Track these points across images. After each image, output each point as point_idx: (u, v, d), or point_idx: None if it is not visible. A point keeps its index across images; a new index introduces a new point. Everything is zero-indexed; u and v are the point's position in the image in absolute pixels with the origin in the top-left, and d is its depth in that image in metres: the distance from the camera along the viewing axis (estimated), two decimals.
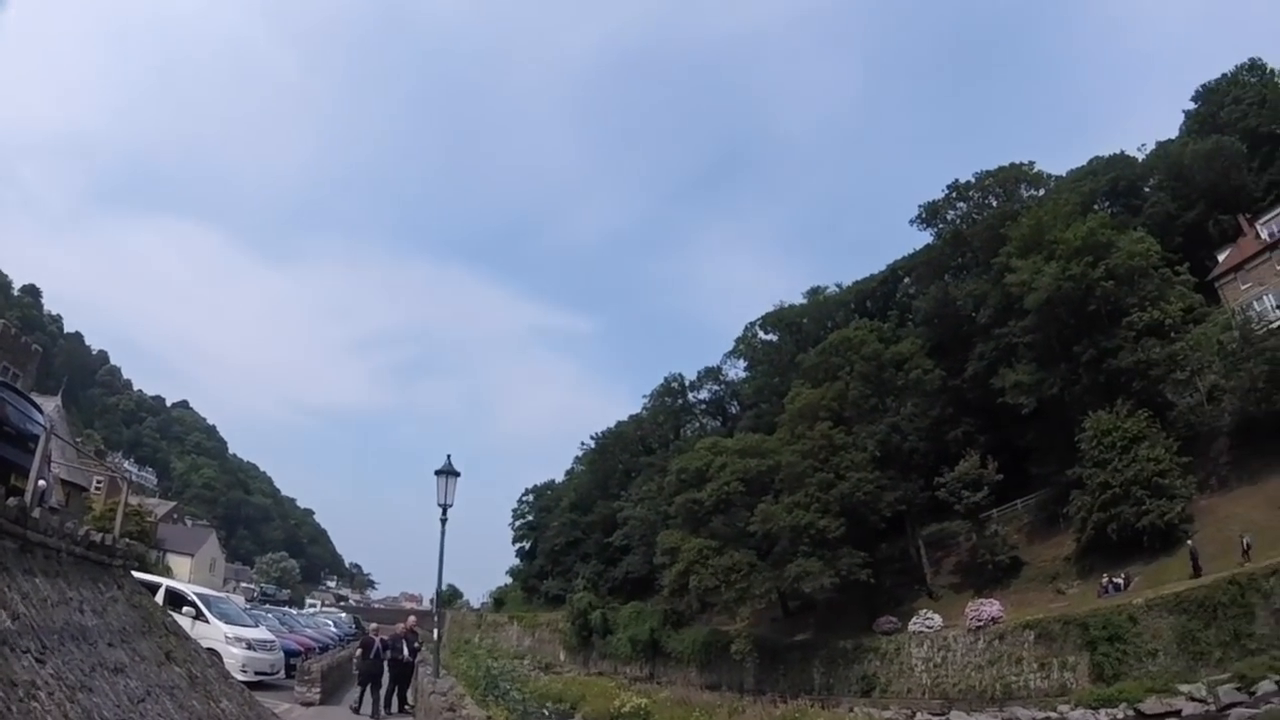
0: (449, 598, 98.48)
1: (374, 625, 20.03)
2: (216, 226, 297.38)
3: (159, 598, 14.51)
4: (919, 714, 29.90)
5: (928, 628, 33.79)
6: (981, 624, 31.16)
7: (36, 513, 6.97)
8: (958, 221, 48.95)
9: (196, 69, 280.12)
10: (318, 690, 15.35)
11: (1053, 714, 25.82)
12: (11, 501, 6.47)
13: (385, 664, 15.99)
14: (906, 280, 57.22)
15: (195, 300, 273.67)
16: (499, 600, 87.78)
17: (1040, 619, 29.60)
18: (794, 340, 58.53)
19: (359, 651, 16.49)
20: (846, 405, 41.69)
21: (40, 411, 8.31)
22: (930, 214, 50.37)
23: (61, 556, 7.20)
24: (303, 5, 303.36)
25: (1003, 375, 37.93)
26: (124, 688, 6.40)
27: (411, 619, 18.14)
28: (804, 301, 62.26)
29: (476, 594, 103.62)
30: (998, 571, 36.00)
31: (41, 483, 7.96)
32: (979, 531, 38.05)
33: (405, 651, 15.27)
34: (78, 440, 35.08)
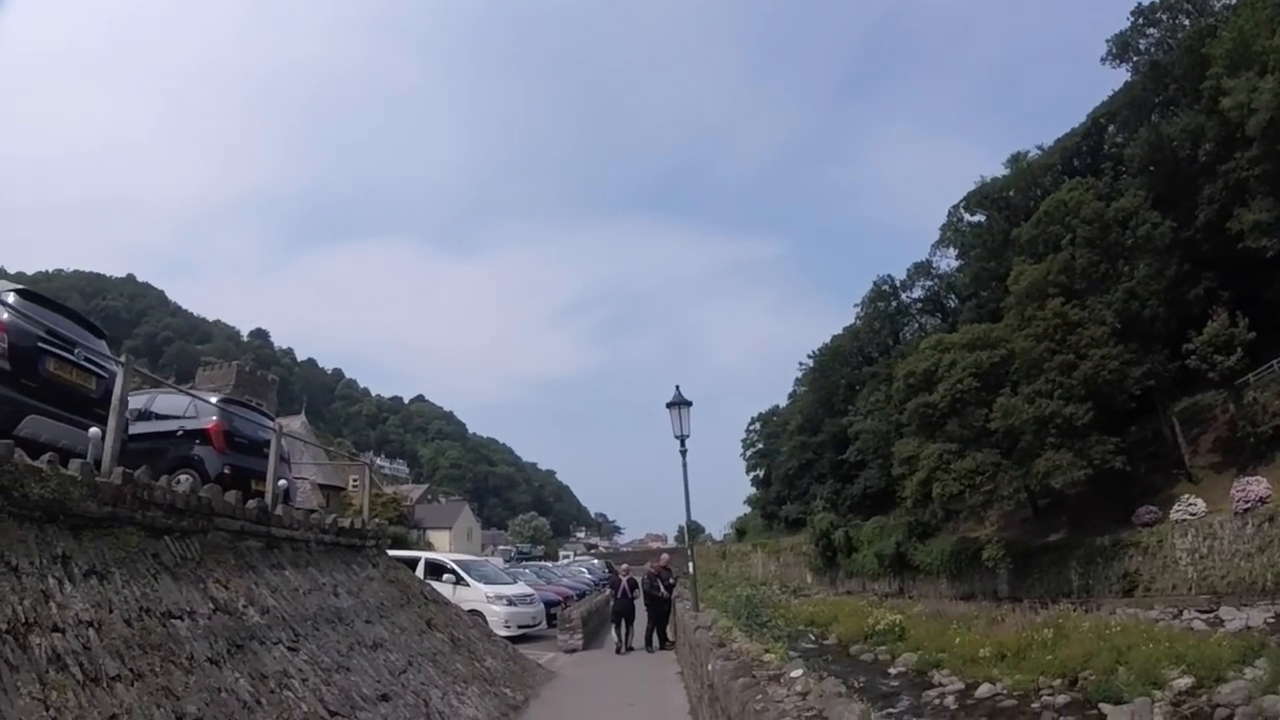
0: (691, 533, 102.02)
1: (624, 566, 20.46)
2: (403, 238, 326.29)
3: (419, 570, 15.76)
4: (1186, 611, 26.13)
5: (1191, 515, 29.52)
6: (1249, 505, 26.84)
7: (279, 510, 7.36)
8: (1152, 50, 42.12)
9: (339, 104, 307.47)
10: (579, 636, 15.83)
11: None
12: (251, 504, 6.81)
13: (636, 602, 16.26)
14: (1111, 128, 49.33)
15: (406, 306, 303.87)
16: (740, 530, 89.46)
17: None
18: (1004, 217, 52.51)
19: (609, 592, 16.84)
20: (1075, 277, 36.79)
21: (270, 419, 8.83)
22: (1120, 47, 43.28)
23: (311, 547, 7.59)
24: (409, 16, 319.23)
25: (1238, 217, 31.99)
26: (384, 661, 6.59)
27: (664, 556, 18.20)
28: (1006, 173, 55.34)
29: (717, 527, 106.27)
30: (1261, 445, 30.56)
31: (282, 483, 8.46)
32: (1237, 401, 32.18)
33: (661, 588, 15.24)
34: (329, 449, 39.79)
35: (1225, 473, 31.63)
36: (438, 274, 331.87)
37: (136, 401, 9.33)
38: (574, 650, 15.04)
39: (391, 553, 15.65)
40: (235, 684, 4.49)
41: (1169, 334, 34.83)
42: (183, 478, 7.16)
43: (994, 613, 31.59)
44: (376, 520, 10.51)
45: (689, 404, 12.45)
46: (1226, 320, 31.19)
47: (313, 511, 9.87)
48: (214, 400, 9.00)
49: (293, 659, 5.32)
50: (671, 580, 16.18)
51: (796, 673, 4.37)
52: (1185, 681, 16.13)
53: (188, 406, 8.93)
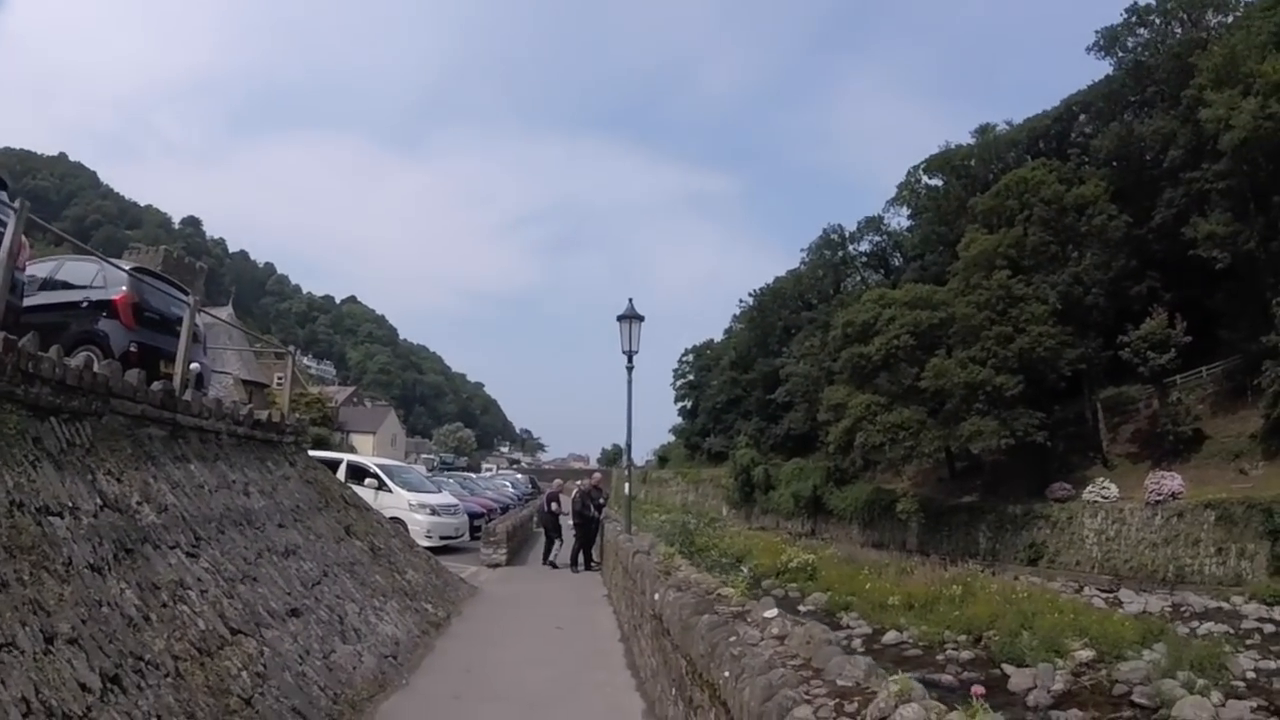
0: (613, 456, 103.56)
1: (557, 481, 20.21)
2: (352, 132, 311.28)
3: (340, 473, 15.09)
4: (1087, 588, 27.79)
5: (1103, 498, 31.07)
6: (1161, 498, 28.34)
7: (189, 395, 6.59)
8: (1139, 50, 42.32)
9: None
10: (504, 551, 15.53)
11: (1225, 604, 23.46)
12: (156, 386, 6.03)
13: (564, 521, 16.10)
14: (1083, 118, 50.01)
15: (346, 204, 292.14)
16: (662, 458, 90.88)
17: (1223, 499, 26.57)
18: (962, 185, 52.92)
19: (544, 504, 16.63)
20: (1025, 253, 37.40)
21: (186, 292, 7.90)
22: (1109, 41, 43.33)
23: (222, 439, 6.87)
24: None
25: (1194, 225, 32.84)
26: (296, 571, 6.05)
27: (596, 475, 17.99)
28: (971, 142, 55.64)
29: (640, 453, 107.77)
30: (1178, 444, 32.31)
31: (195, 366, 7.65)
32: (1161, 398, 33.81)
33: (591, 508, 15.06)
34: (253, 335, 37.95)
35: (1140, 464, 33.01)
36: (382, 174, 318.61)
37: (41, 269, 8.25)
38: (497, 565, 14.77)
39: (312, 453, 14.93)
40: (120, 596, 3.87)
41: (1105, 324, 35.87)
42: (83, 355, 6.32)
43: (904, 563, 32.79)
44: (297, 416, 9.76)
45: (641, 319, 11.96)
46: (1165, 320, 32.20)
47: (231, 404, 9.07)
48: (126, 269, 7.99)
49: (191, 567, 4.71)
50: (602, 500, 16.02)
51: (770, 612, 4.00)
52: (1087, 654, 16.75)
53: (96, 275, 7.92)
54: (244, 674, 4.25)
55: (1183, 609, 23.70)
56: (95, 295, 7.65)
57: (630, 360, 12.02)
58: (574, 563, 14.70)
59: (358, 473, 15.85)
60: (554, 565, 15.22)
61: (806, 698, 2.90)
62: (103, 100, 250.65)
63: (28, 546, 3.55)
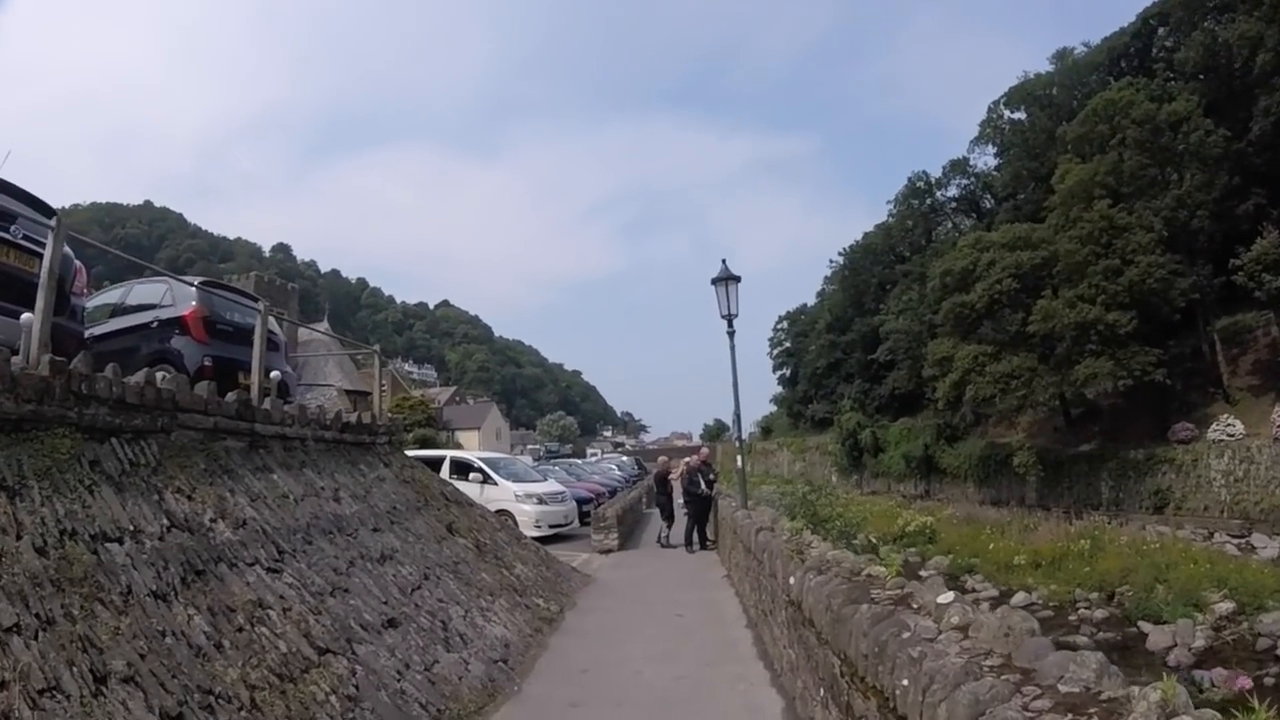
0: (715, 432, 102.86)
1: (662, 459, 19.68)
2: (423, 144, 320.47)
3: (444, 470, 15.00)
4: (1217, 534, 25.32)
5: (1229, 436, 28.42)
6: None
7: (267, 404, 6.29)
8: None
9: (348, 11, 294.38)
10: (615, 536, 14.98)
11: None
12: (230, 397, 5.74)
13: (681, 499, 15.55)
14: (1162, 31, 45.86)
15: (428, 213, 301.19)
16: (765, 429, 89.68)
17: None
18: (1046, 115, 50.07)
19: (654, 483, 16.11)
20: (1123, 180, 34.80)
21: (256, 301, 7.66)
22: None
23: (308, 445, 6.57)
24: None
25: None
26: (393, 577, 5.65)
27: (704, 449, 17.35)
28: (1050, 69, 52.41)
29: (743, 425, 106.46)
30: None
31: (275, 374, 7.39)
32: None
33: (702, 484, 14.32)
34: (343, 339, 39.15)
35: (1263, 396, 30.44)
36: (459, 179, 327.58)
37: (111, 295, 8.22)
38: (609, 550, 14.32)
39: (413, 453, 14.88)
40: (188, 624, 3.48)
41: (1213, 249, 33.51)
42: (158, 375, 6.13)
43: (1025, 520, 31.02)
44: (390, 415, 9.50)
45: (737, 279, 11.09)
46: (1277, 238, 29.29)
47: (316, 408, 8.88)
48: (195, 283, 7.83)
49: (272, 583, 4.32)
50: (713, 475, 15.33)
51: (944, 596, 3.22)
52: (1226, 606, 15.33)
53: (164, 294, 7.79)
54: (332, 699, 3.81)
55: None
56: (165, 314, 7.51)
57: (730, 324, 11.20)
58: (688, 543, 14.08)
59: (461, 468, 15.75)
60: (668, 545, 14.69)
61: (1029, 715, 2.13)
62: (180, 146, 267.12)
63: (79, 578, 3.17)
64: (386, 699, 4.11)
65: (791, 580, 4.77)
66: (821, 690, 3.94)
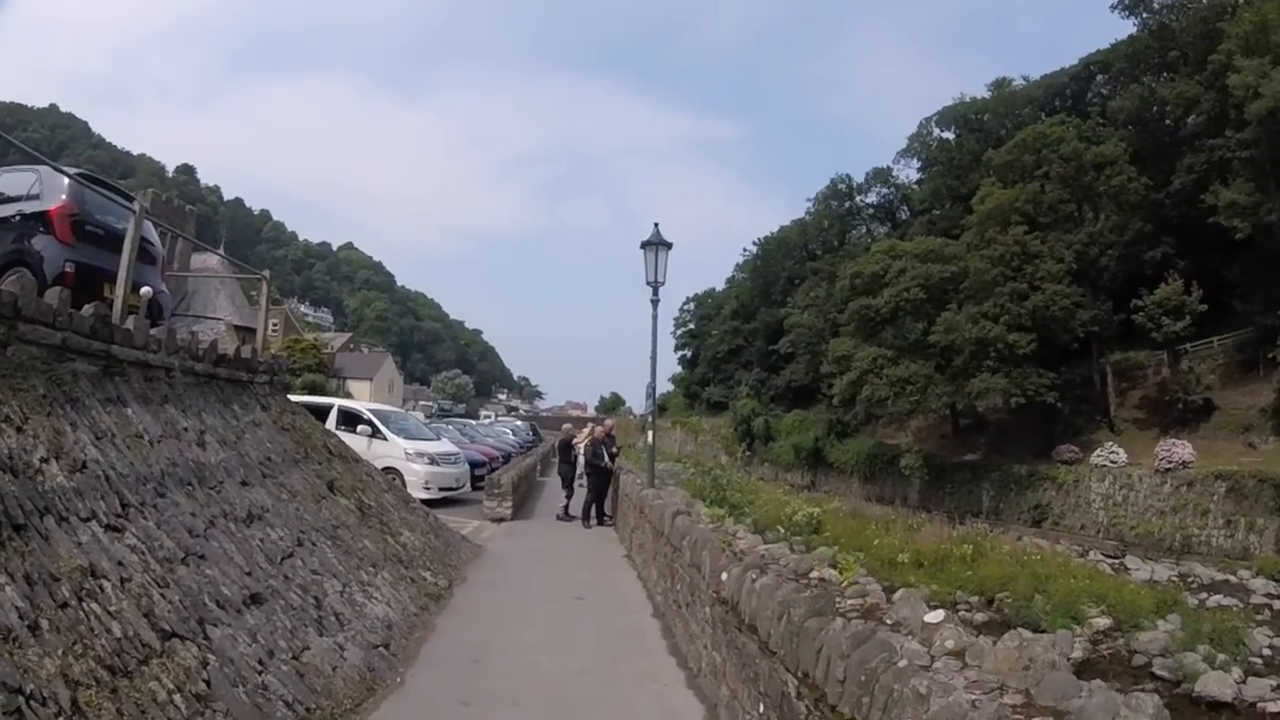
0: (611, 404, 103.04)
1: (567, 426, 19.03)
2: (350, 75, 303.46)
3: (330, 420, 13.87)
4: (1092, 552, 27.40)
5: (1111, 462, 30.66)
6: (1171, 466, 27.92)
7: (130, 324, 5.31)
8: (1164, 11, 41.04)
9: None
10: (509, 504, 13.97)
11: (1232, 577, 23.02)
12: (87, 311, 4.76)
13: (580, 471, 14.96)
14: (1100, 78, 48.96)
15: (344, 148, 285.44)
16: (661, 406, 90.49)
17: (1234, 471, 26.17)
18: (975, 139, 52.25)
19: (558, 451, 15.46)
20: (1041, 210, 36.74)
21: (132, 198, 6.55)
22: (1134, 1, 41.86)
23: (174, 377, 5.61)
24: None
25: (1215, 192, 32.09)
26: (260, 542, 4.85)
27: (609, 421, 16.86)
28: (986, 96, 54.86)
29: (637, 400, 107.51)
30: (1187, 412, 31.88)
31: (146, 290, 6.35)
32: (1173, 365, 33.47)
33: (605, 457, 13.61)
34: (235, 261, 36.22)
35: (1146, 431, 32.84)
36: (381, 116, 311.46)
37: None
38: (503, 519, 13.63)
39: (299, 398, 13.68)
40: None
41: (1115, 287, 35.58)
42: (12, 278, 5.06)
43: (910, 519, 32.29)
44: (273, 352, 8.49)
45: (668, 245, 10.57)
46: (1181, 286, 31.70)
47: (188, 334, 7.77)
48: (70, 173, 6.62)
49: (111, 546, 3.50)
50: (615, 449, 14.88)
51: (932, 615, 2.96)
52: (1104, 622, 16.16)
53: (33, 184, 6.57)
54: (176, 698, 3.08)
55: (1190, 579, 23.26)
56: (29, 207, 6.34)
57: (656, 292, 10.68)
58: (586, 517, 13.58)
59: (350, 419, 14.65)
60: (566, 518, 14.16)
61: None
62: (95, 47, 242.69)
63: None
64: (244, 696, 3.40)
65: (724, 576, 4.35)
66: (762, 706, 3.53)
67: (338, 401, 15.82)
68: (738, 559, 4.46)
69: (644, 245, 10.56)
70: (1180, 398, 31.76)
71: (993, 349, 34.07)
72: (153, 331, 5.67)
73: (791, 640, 3.15)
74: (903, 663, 2.51)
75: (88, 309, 4.84)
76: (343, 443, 9.34)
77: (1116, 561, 26.35)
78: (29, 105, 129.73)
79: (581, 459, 14.88)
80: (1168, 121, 38.97)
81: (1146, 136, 39.02)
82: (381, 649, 4.91)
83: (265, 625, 3.99)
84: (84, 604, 3.10)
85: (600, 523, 13.61)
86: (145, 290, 6.35)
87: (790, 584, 3.57)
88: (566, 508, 14.39)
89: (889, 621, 2.85)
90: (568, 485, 14.78)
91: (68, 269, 6.06)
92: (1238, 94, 30.78)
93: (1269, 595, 20.89)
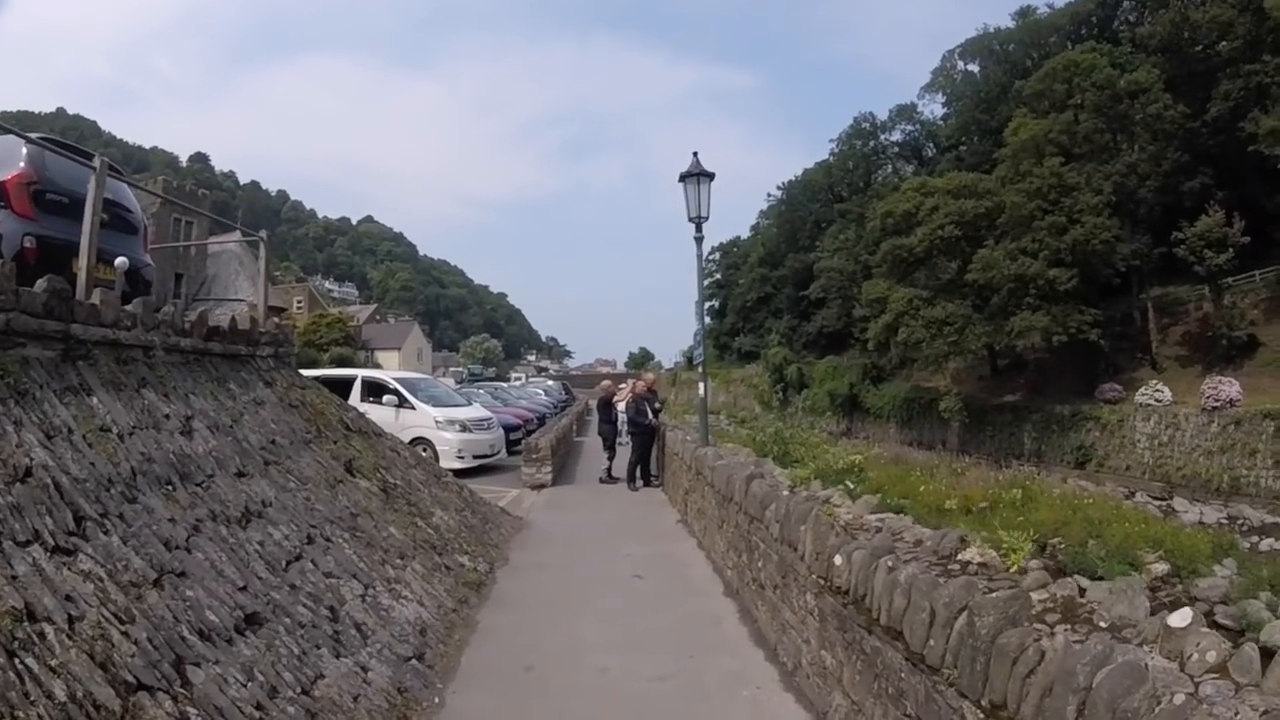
0: (640, 360, 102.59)
1: (606, 383, 18.19)
2: (353, 52, 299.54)
3: (354, 393, 13.19)
4: (1138, 493, 26.46)
5: (1156, 401, 29.50)
6: (1218, 405, 26.75)
7: (98, 298, 4.49)
8: None
9: None
10: (549, 469, 13.12)
11: None
12: (40, 287, 3.96)
13: (623, 429, 14.21)
14: (1128, 4, 46.92)
15: (356, 125, 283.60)
16: (690, 359, 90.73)
17: None
18: (1002, 70, 50.47)
19: (599, 410, 14.66)
20: (1076, 140, 35.23)
21: (93, 156, 5.69)
22: None
23: (154, 357, 4.79)
24: None
25: (1255, 120, 30.51)
26: (259, 545, 4.05)
27: (649, 375, 16.00)
28: (1011, 26, 52.99)
29: (668, 355, 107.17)
30: (1231, 349, 30.61)
31: (121, 261, 5.54)
32: (1215, 300, 31.88)
33: (648, 414, 12.76)
34: (232, 224, 35.47)
35: (1190, 367, 31.85)
36: (390, 90, 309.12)
37: None
38: (542, 486, 12.86)
39: (318, 372, 12.99)
40: None
41: (1153, 220, 34.28)
42: None
43: (954, 464, 31.67)
44: (276, 320, 7.68)
45: (710, 176, 9.51)
46: (1222, 218, 30.34)
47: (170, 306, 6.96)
48: (31, 138, 5.76)
49: (57, 575, 2.70)
50: (658, 404, 14.03)
51: (1178, 618, 2.53)
52: (1162, 568, 15.36)
53: None
54: None
55: (1239, 521, 22.34)
56: None
57: (699, 229, 9.66)
58: (631, 478, 12.76)
59: (375, 390, 13.97)
60: (610, 480, 13.37)
61: None
62: (97, 50, 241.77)
63: None
64: None
65: (838, 560, 3.49)
66: None
67: (361, 372, 15.12)
68: (848, 535, 3.59)
69: (683, 177, 9.50)
70: (1224, 334, 30.71)
71: (1032, 286, 32.96)
72: (128, 307, 4.85)
73: (972, 658, 2.33)
74: (1177, 698, 1.66)
75: (40, 284, 4.02)
76: (363, 416, 8.56)
77: (1164, 503, 25.54)
78: (36, 112, 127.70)
79: (623, 417, 14.08)
80: (1199, 47, 36.83)
81: (1179, 63, 37.15)
82: (414, 661, 4.13)
83: (265, 655, 3.20)
84: (16, 660, 2.30)
85: (647, 484, 12.84)
86: (120, 262, 5.53)
87: (959, 579, 2.71)
88: (609, 469, 13.64)
89: (1102, 624, 2.08)
90: (609, 446, 13.95)
91: (27, 244, 5.26)
92: (1276, 15, 29.29)
93: None
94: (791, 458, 9.88)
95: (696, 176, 9.34)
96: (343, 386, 12.49)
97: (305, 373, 9.09)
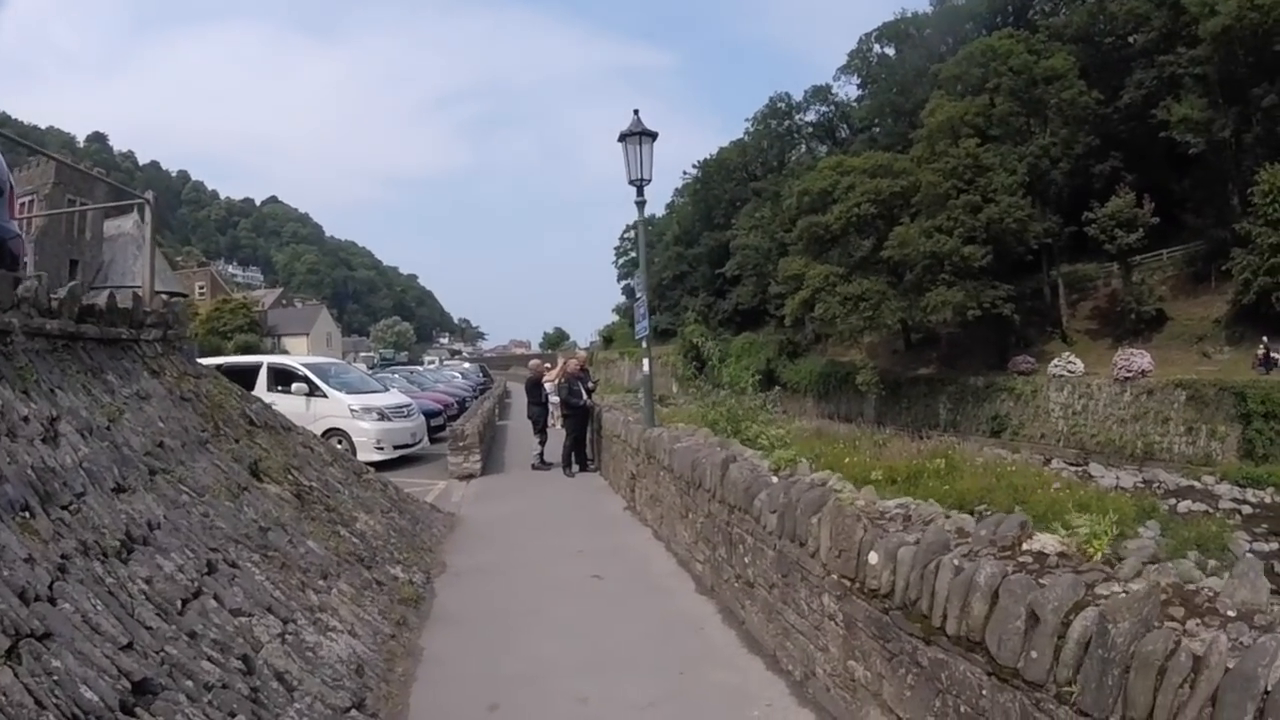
0: (556, 339, 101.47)
1: (535, 362, 17.38)
2: (254, 21, 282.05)
3: (260, 382, 11.99)
4: (1054, 460, 27.83)
5: (1069, 372, 31.16)
6: (1130, 375, 28.35)
7: None
8: None
9: None
10: (477, 457, 12.37)
11: (1196, 483, 23.62)
12: None
13: (551, 410, 13.53)
14: None
15: (259, 100, 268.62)
16: (607, 338, 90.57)
17: (1194, 380, 26.73)
18: (918, 54, 52.53)
19: (530, 391, 13.84)
20: (992, 122, 36.79)
21: None
22: None
23: (12, 343, 3.78)
24: None
25: (1167, 108, 32.47)
26: (145, 583, 3.18)
27: (581, 353, 15.33)
28: (929, 11, 55.09)
29: (583, 334, 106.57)
30: (1139, 323, 32.66)
31: None
32: (1125, 277, 33.97)
33: (582, 394, 12.25)
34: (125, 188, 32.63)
35: (1099, 340, 33.82)
36: (292, 62, 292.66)
37: None
38: (471, 476, 12.00)
39: (217, 360, 11.74)
40: None
41: (1063, 201, 36.15)
42: None
43: (875, 436, 32.41)
44: (164, 296, 6.60)
45: (653, 135, 8.88)
46: (1133, 199, 32.12)
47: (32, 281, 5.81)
48: None
49: None
50: (591, 384, 13.37)
51: None
52: (1089, 530, 15.89)
53: None
54: None
55: (1155, 485, 23.72)
56: None
57: (640, 192, 9.02)
58: (567, 463, 12.09)
59: (283, 378, 12.80)
60: (542, 466, 12.69)
61: None
62: None
63: None
64: None
65: (873, 558, 3.00)
66: None
67: (266, 359, 13.81)
68: (876, 528, 3.10)
69: (623, 137, 8.80)
70: (1133, 308, 32.59)
71: (947, 262, 34.23)
72: None
73: (1101, 671, 1.98)
74: None
75: None
76: (269, 408, 7.56)
77: (1080, 469, 26.86)
78: None
79: (554, 399, 13.37)
80: (1113, 38, 39.05)
81: (1093, 52, 39.17)
82: (354, 712, 3.37)
83: None
84: None
85: (583, 469, 12.23)
86: None
87: (1064, 577, 2.27)
88: (542, 455, 12.93)
89: (1231, 613, 1.69)
90: (540, 430, 13.20)
91: None
92: (1192, 10, 30.93)
93: (1235, 500, 21.52)
94: (744, 435, 9.39)
95: (638, 135, 8.68)
96: (247, 375, 11.30)
97: (205, 361, 8.03)
